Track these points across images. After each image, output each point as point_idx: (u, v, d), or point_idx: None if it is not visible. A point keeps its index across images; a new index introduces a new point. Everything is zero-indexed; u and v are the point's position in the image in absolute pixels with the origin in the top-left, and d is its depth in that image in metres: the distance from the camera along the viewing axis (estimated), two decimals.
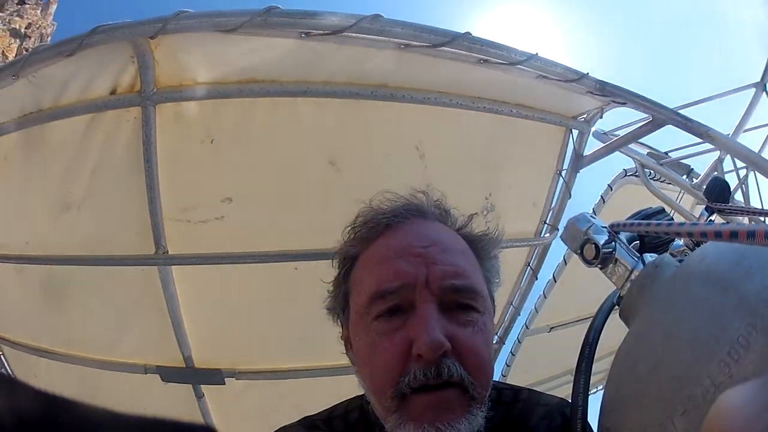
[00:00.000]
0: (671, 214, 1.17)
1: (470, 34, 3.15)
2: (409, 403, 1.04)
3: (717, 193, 1.73)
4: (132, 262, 3.95)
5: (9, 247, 4.16)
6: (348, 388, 1.29)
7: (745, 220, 3.66)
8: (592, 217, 1.07)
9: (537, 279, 5.16)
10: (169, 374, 4.55)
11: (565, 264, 5.74)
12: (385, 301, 1.10)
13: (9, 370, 5.40)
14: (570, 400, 1.11)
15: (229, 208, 3.76)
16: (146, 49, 3.05)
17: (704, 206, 1.78)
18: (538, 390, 1.35)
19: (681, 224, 0.88)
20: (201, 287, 4.15)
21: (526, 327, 5.99)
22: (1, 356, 5.33)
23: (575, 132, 4.32)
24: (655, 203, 5.04)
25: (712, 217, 1.75)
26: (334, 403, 1.37)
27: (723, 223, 0.72)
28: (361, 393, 1.25)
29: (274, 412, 4.80)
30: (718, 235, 0.72)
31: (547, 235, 4.81)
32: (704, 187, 4.62)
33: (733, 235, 0.69)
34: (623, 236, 1.05)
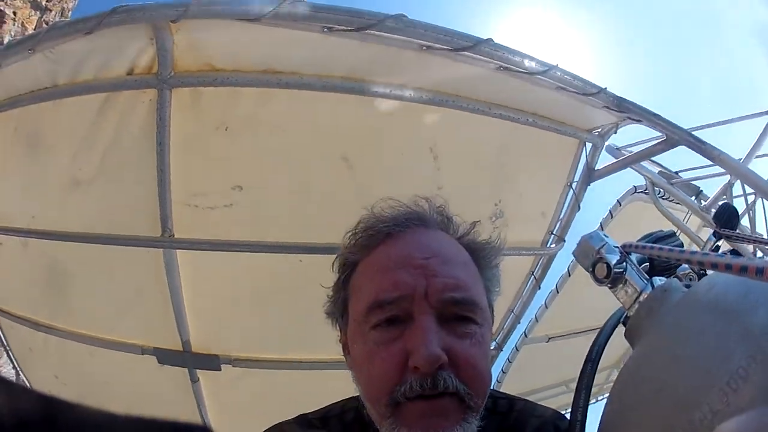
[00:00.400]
0: (679, 235, 1.19)
1: (492, 40, 3.16)
2: (404, 409, 1.06)
3: (725, 219, 1.74)
4: (137, 244, 3.94)
5: (15, 220, 4.17)
6: (343, 383, 1.30)
7: (750, 247, 3.67)
8: (605, 236, 1.08)
9: (540, 288, 5.16)
10: (165, 357, 4.55)
11: (569, 275, 5.77)
12: (384, 311, 1.12)
13: (5, 342, 5.42)
14: (564, 413, 1.12)
15: (239, 196, 3.75)
16: (166, 32, 3.04)
17: (712, 231, 1.79)
18: (533, 401, 1.36)
19: (693, 252, 0.89)
20: (204, 273, 4.16)
21: (525, 335, 6.02)
22: None
23: (589, 145, 4.31)
24: (663, 222, 5.07)
25: (719, 243, 1.77)
26: (329, 399, 1.38)
27: (734, 257, 0.73)
28: (356, 393, 1.25)
29: (268, 401, 4.80)
30: (728, 268, 0.73)
31: (553, 245, 4.81)
32: (713, 210, 4.63)
33: (743, 270, 0.71)
34: (633, 257, 1.05)
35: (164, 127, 3.41)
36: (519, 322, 5.36)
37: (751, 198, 5.24)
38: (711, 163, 4.19)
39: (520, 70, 3.36)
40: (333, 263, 1.32)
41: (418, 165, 3.89)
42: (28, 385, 5.59)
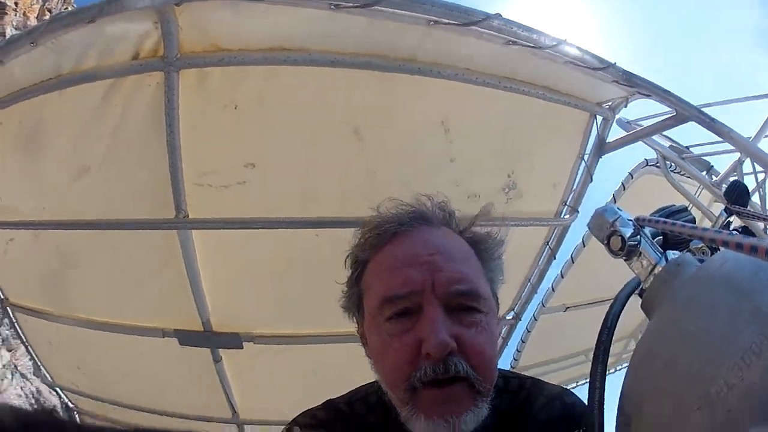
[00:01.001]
0: (690, 209, 1.21)
1: (501, 15, 3.14)
2: (420, 395, 1.15)
3: (736, 196, 1.77)
4: (152, 226, 3.98)
5: (26, 213, 4.18)
6: (364, 356, 1.36)
7: (761, 224, 3.70)
8: (618, 209, 1.11)
9: (555, 258, 5.20)
10: (187, 338, 4.59)
11: (584, 246, 5.80)
12: (395, 305, 1.21)
13: (23, 336, 5.45)
14: (584, 382, 1.16)
15: (252, 174, 3.76)
16: (171, 15, 3.02)
17: (723, 207, 1.83)
18: (542, 380, 1.45)
19: (705, 229, 0.91)
20: (221, 252, 4.18)
21: (543, 305, 6.06)
22: (15, 323, 5.37)
23: (600, 118, 4.31)
24: (674, 195, 5.07)
25: (731, 219, 1.80)
26: (351, 371, 1.46)
27: (745, 236, 0.75)
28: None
29: (291, 376, 4.88)
30: (739, 247, 0.76)
31: (567, 216, 4.83)
32: (724, 186, 4.64)
33: (754, 250, 0.73)
34: (647, 230, 1.07)
35: (173, 109, 3.41)
36: (536, 292, 5.42)
37: (761, 176, 5.29)
38: (720, 139, 4.20)
39: (529, 44, 3.35)
40: (345, 260, 1.40)
41: (430, 138, 3.90)
42: (49, 377, 5.64)
